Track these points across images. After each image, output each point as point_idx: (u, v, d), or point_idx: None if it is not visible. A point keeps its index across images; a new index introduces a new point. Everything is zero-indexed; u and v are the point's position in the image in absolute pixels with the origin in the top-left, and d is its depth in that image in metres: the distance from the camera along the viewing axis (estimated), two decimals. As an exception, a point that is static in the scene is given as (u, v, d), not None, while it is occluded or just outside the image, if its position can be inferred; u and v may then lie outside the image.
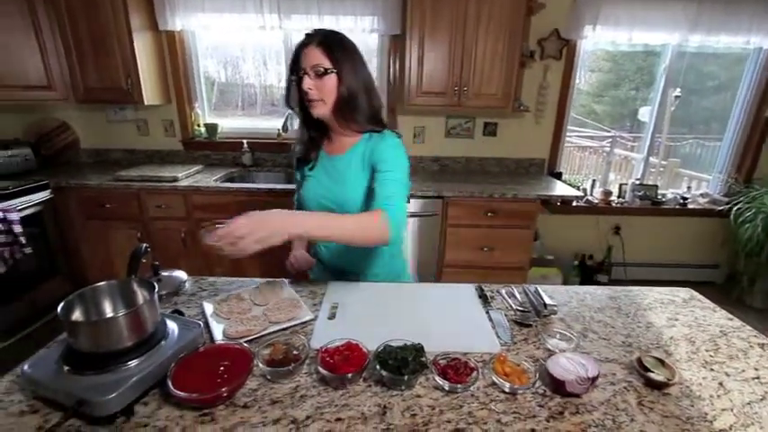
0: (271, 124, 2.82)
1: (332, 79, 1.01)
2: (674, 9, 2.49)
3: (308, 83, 1.01)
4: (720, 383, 0.76)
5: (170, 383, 0.64)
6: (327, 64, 1.00)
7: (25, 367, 0.66)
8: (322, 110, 1.05)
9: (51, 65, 2.32)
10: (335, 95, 1.03)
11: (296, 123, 2.70)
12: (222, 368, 0.69)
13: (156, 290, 0.74)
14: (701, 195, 3.05)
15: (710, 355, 0.85)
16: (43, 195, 2.18)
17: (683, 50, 2.76)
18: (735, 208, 2.75)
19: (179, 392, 0.63)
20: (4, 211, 1.89)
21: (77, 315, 0.70)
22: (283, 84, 2.80)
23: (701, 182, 3.20)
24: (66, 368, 0.65)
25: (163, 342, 0.73)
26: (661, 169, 3.17)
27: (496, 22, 2.26)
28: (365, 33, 2.56)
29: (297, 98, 1.08)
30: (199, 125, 2.81)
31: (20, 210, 1.99)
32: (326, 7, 2.46)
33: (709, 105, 3.05)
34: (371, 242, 0.95)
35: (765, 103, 2.79)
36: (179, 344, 0.73)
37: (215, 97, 2.91)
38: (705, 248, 3.07)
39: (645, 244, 3.03)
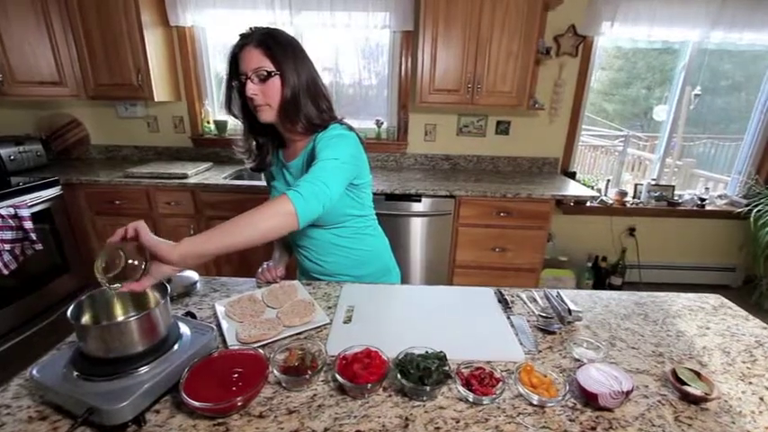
0: (280, 121, 2.79)
1: (276, 82, 0.94)
2: (696, 4, 2.42)
3: (252, 88, 0.93)
4: (761, 398, 0.72)
5: (183, 392, 0.61)
6: (269, 66, 0.93)
7: (34, 371, 0.64)
8: (269, 115, 0.98)
9: (63, 61, 2.32)
10: (280, 98, 0.96)
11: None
12: (236, 375, 0.66)
13: (169, 291, 0.72)
14: (720, 197, 2.97)
15: (748, 368, 0.80)
16: (53, 192, 2.18)
17: (703, 48, 2.68)
18: (755, 210, 2.68)
19: (193, 402, 0.60)
20: (15, 207, 1.89)
21: (87, 318, 0.68)
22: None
23: (717, 183, 3.12)
24: (75, 373, 0.62)
25: (175, 347, 0.70)
26: (676, 169, 3.09)
27: (512, 17, 2.20)
28: (377, 29, 2.52)
29: (239, 104, 1.00)
30: (208, 122, 2.79)
31: (30, 206, 1.98)
32: (338, 3, 2.42)
33: (725, 104, 2.97)
34: (277, 232, 0.82)
35: (788, 103, 2.70)
36: (192, 349, 0.70)
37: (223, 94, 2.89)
38: (722, 251, 2.99)
39: (660, 246, 2.96)
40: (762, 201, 2.67)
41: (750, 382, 0.76)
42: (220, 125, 2.75)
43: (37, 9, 2.20)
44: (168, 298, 0.71)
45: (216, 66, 2.79)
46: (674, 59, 2.79)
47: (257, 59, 0.93)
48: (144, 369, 0.64)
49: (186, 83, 2.68)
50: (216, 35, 2.70)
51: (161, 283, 0.72)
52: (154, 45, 2.39)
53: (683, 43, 2.68)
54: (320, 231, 1.11)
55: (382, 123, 2.73)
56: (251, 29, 0.96)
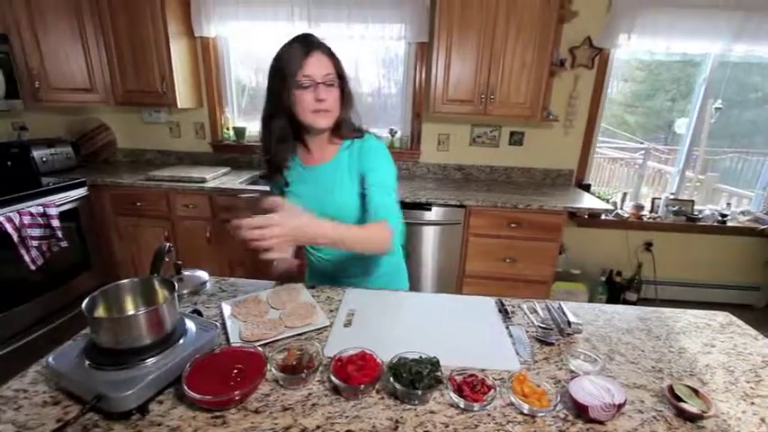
0: (296, 129, 2.85)
1: (337, 89, 1.01)
2: (717, 17, 2.37)
3: (323, 92, 0.97)
4: (762, 419, 0.70)
5: (184, 384, 0.64)
6: (333, 72, 0.99)
7: (50, 359, 0.69)
8: (328, 121, 1.02)
9: (94, 68, 2.45)
10: (339, 105, 1.02)
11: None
12: (236, 371, 0.69)
13: (177, 289, 0.76)
14: (742, 213, 2.87)
15: (751, 388, 0.78)
16: (80, 192, 2.29)
17: (725, 60, 2.62)
18: (780, 228, 2.58)
19: (193, 393, 0.63)
20: (45, 206, 2.00)
21: (100, 311, 0.72)
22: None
23: (741, 198, 3.02)
24: (87, 362, 0.67)
25: (181, 341, 0.74)
26: (698, 184, 3.01)
27: (526, 29, 2.22)
28: (393, 41, 2.58)
29: (287, 108, 1.00)
30: (228, 129, 2.89)
31: (58, 205, 2.09)
32: (356, 15, 2.48)
33: (752, 118, 2.88)
34: (380, 251, 0.99)
35: (816, 117, 2.61)
36: (196, 344, 0.74)
37: (245, 102, 2.99)
38: (744, 269, 2.88)
39: (678, 262, 2.88)
40: (787, 218, 2.57)
41: (752, 403, 0.74)
42: (239, 132, 2.84)
43: (72, 17, 2.34)
44: (176, 295, 0.75)
45: (237, 74, 2.89)
46: (696, 71, 2.74)
47: (326, 66, 0.98)
48: (150, 361, 0.68)
49: (208, 91, 2.79)
50: (239, 44, 2.81)
51: (169, 281, 0.76)
52: (178, 54, 2.51)
53: (704, 56, 2.63)
54: None
55: (396, 132, 2.77)
56: (308, 35, 0.99)
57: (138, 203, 2.40)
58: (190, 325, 0.78)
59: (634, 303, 2.80)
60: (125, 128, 2.95)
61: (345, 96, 1.03)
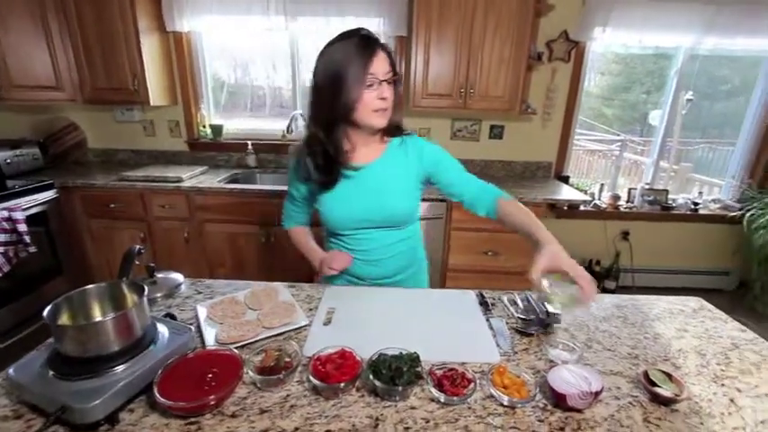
0: (276, 126, 2.81)
1: (393, 87, 0.98)
2: (689, 10, 2.43)
3: (387, 91, 0.95)
4: (732, 400, 0.72)
5: (156, 390, 0.62)
6: (392, 70, 0.96)
7: (10, 371, 0.65)
8: (386, 120, 1.00)
9: (60, 65, 2.35)
10: (392, 103, 1.00)
11: (300, 125, 2.71)
12: (211, 375, 0.67)
13: (146, 293, 0.73)
14: (713, 201, 2.97)
15: (721, 370, 0.81)
16: (49, 195, 2.19)
17: (695, 53, 2.70)
18: (748, 214, 2.68)
19: (165, 400, 0.61)
20: (10, 210, 1.91)
21: (64, 319, 0.69)
22: (290, 85, 2.80)
23: (712, 187, 3.13)
24: (51, 373, 0.63)
25: (152, 346, 0.71)
26: (672, 174, 3.10)
27: (504, 23, 2.22)
28: (371, 35, 2.55)
29: (348, 109, 0.95)
30: (204, 126, 2.82)
31: (25, 209, 2.00)
32: (333, 9, 2.45)
33: (722, 110, 2.98)
34: None
35: (780, 108, 2.71)
36: (168, 349, 0.71)
37: (224, 99, 2.92)
38: (716, 255, 2.99)
39: (654, 250, 2.96)
40: (755, 205, 2.67)
41: (722, 384, 0.77)
42: (216, 129, 2.77)
43: (34, 13, 2.23)
44: (145, 299, 0.72)
45: (214, 70, 2.82)
46: (669, 64, 2.81)
47: (386, 64, 0.95)
48: (119, 368, 0.65)
49: (182, 87, 2.71)
50: (215, 40, 2.73)
51: (138, 285, 0.73)
52: (150, 50, 2.42)
53: (676, 48, 2.69)
54: (385, 232, 1.10)
55: (376, 127, 2.75)
56: (365, 31, 0.95)
57: (112, 205, 2.32)
58: (162, 329, 0.76)
59: (613, 291, 2.87)
60: (96, 127, 2.84)
61: (397, 95, 1.01)
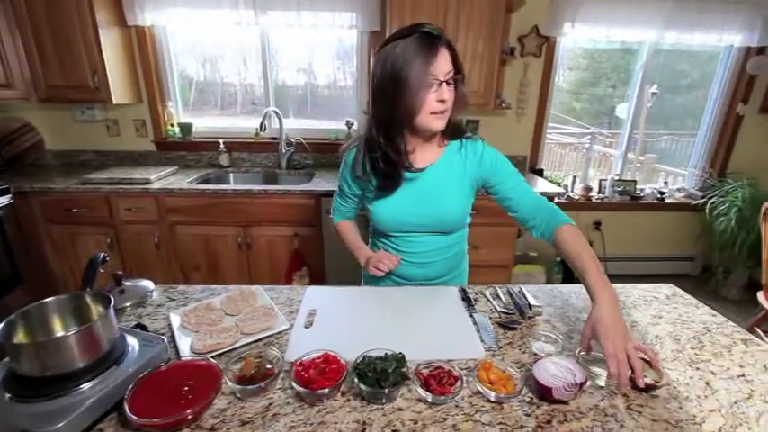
0: (248, 123, 2.73)
1: (453, 87, 0.90)
2: (650, 6, 2.52)
3: (447, 93, 0.88)
4: (707, 383, 0.75)
5: (126, 407, 0.58)
6: (453, 69, 0.88)
7: (-40, 396, 0.59)
8: (444, 122, 0.93)
9: (9, 60, 2.18)
10: (452, 105, 0.92)
11: (275, 123, 2.64)
12: (187, 388, 0.63)
13: (113, 303, 0.68)
14: (678, 190, 3.11)
15: (696, 354, 0.84)
16: (3, 200, 2.05)
17: (659, 48, 2.80)
18: (710, 202, 2.82)
19: (136, 417, 0.57)
20: (-41, 218, 1.77)
21: (20, 336, 0.63)
22: (261, 82, 2.72)
23: (676, 177, 3.27)
24: (7, 395, 0.58)
25: (121, 361, 0.66)
26: (638, 165, 3.22)
27: (476, 18, 2.23)
28: (343, 29, 2.51)
29: (410, 111, 0.89)
30: (172, 125, 2.70)
31: (-24, 216, 1.86)
32: (305, 2, 2.39)
33: (682, 102, 3.12)
34: None
35: (737, 100, 2.86)
36: (139, 362, 0.67)
37: (193, 96, 2.81)
38: (682, 242, 3.13)
39: (624, 238, 3.07)
40: (716, 193, 2.81)
41: (697, 368, 0.79)
42: (185, 128, 2.66)
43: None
44: (112, 310, 0.67)
45: (183, 67, 2.70)
46: (634, 59, 2.91)
47: (448, 63, 0.87)
48: (85, 386, 0.61)
49: (147, 84, 2.58)
50: (182, 35, 2.62)
51: (104, 295, 0.69)
52: (111, 45, 2.29)
53: (641, 43, 2.79)
54: (435, 237, 1.08)
55: (352, 124, 2.71)
56: (427, 24, 0.87)
57: (74, 210, 2.19)
58: (132, 341, 0.71)
59: (587, 280, 2.96)
60: (54, 128, 2.67)
61: (459, 95, 0.92)
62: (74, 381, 0.60)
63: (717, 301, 2.76)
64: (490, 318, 0.94)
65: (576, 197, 2.96)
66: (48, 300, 0.68)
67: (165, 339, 0.74)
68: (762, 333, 1.90)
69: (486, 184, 1.05)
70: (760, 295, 2.03)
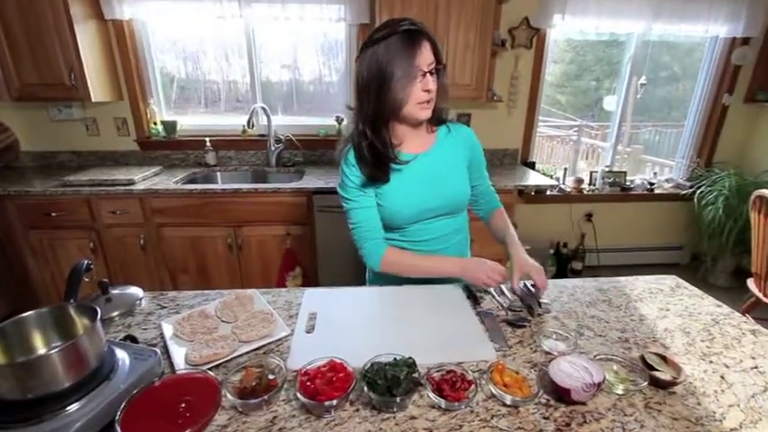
0: (235, 121, 2.65)
1: (436, 77, 0.94)
2: (638, -2, 2.52)
3: (431, 83, 0.92)
4: (722, 377, 0.73)
5: (119, 429, 0.53)
6: (434, 60, 0.92)
7: (-69, 424, 0.54)
8: (431, 111, 0.97)
9: (-22, 59, 2.07)
10: (436, 93, 0.96)
11: (262, 120, 2.57)
12: (184, 404, 0.59)
13: (100, 315, 0.63)
14: (667, 180, 3.14)
15: (707, 346, 0.82)
16: (-24, 206, 1.94)
17: (647, 39, 2.81)
18: (698, 191, 2.85)
19: (130, 441, 0.52)
20: (-72, 225, 1.66)
21: (-3, 356, 0.58)
22: (246, 78, 2.64)
23: (663, 167, 3.31)
24: (-17, 422, 0.53)
25: (111, 378, 0.61)
26: (626, 156, 3.24)
27: (467, 10, 2.20)
28: (331, 22, 2.45)
29: (398, 104, 0.93)
30: (155, 123, 2.61)
31: (-53, 223, 1.76)
32: (291, -6, 2.31)
33: (667, 94, 3.14)
34: None
35: (722, 91, 2.89)
36: (131, 378, 0.62)
37: (175, 94, 2.71)
38: (671, 231, 3.17)
39: (615, 229, 3.10)
40: (703, 183, 2.85)
41: (711, 361, 0.78)
42: (169, 126, 2.57)
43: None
44: (98, 322, 0.62)
45: (164, 63, 2.60)
46: (620, 52, 2.92)
47: (430, 54, 0.91)
48: (72, 408, 0.56)
49: (128, 81, 2.48)
50: (162, 30, 2.52)
51: (89, 307, 0.63)
52: (88, 40, 2.19)
53: (629, 35, 2.79)
54: (443, 222, 1.11)
55: (342, 120, 2.66)
56: (408, 19, 0.91)
57: (54, 213, 2.09)
58: (122, 355, 0.66)
59: (579, 272, 2.98)
60: (30, 128, 2.55)
61: (441, 84, 0.97)
62: (59, 402, 0.55)
63: (706, 289, 2.76)
64: (497, 316, 0.91)
65: (568, 189, 2.97)
66: (26, 314, 0.62)
67: (158, 351, 0.69)
68: (752, 320, 1.92)
69: (468, 165, 1.12)
70: (750, 282, 2.07)
